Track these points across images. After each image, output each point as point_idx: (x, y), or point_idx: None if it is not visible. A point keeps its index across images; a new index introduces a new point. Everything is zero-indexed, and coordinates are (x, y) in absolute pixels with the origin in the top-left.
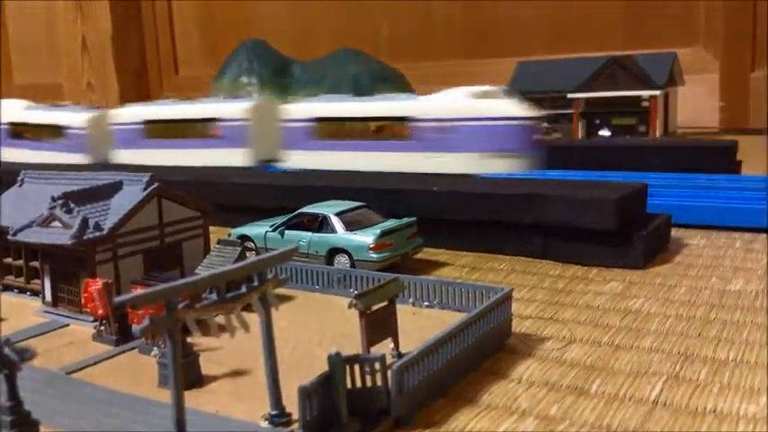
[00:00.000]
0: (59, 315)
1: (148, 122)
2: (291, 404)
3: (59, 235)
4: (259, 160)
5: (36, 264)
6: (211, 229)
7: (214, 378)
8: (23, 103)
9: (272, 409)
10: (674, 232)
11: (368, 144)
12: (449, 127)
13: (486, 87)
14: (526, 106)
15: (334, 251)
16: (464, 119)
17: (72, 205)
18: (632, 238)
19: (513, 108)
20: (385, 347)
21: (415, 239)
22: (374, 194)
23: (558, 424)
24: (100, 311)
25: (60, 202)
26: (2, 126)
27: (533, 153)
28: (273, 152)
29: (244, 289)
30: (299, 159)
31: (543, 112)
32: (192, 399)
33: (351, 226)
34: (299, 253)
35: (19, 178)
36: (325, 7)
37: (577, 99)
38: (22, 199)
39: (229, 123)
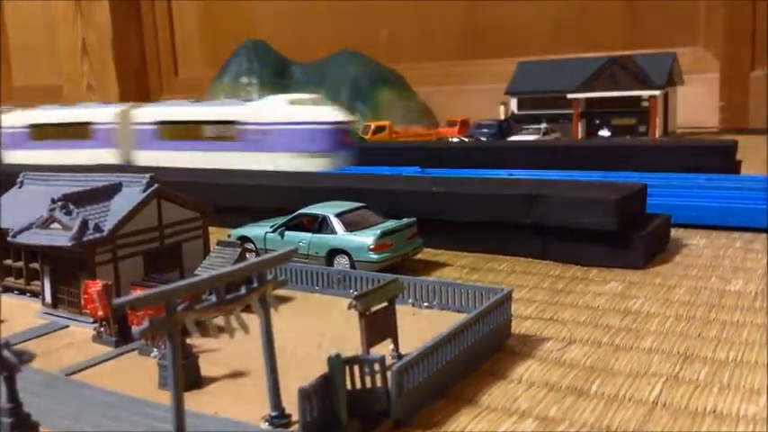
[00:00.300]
0: (59, 316)
1: (33, 126)
2: (291, 405)
3: (59, 236)
4: (125, 159)
5: (36, 265)
6: (211, 230)
7: (214, 379)
8: None
9: (271, 411)
10: (674, 232)
11: (202, 144)
12: (268, 130)
13: (306, 95)
14: (338, 111)
15: (334, 252)
16: (281, 123)
17: (71, 207)
18: (632, 239)
19: (325, 113)
20: (385, 348)
21: (415, 240)
22: (374, 195)
23: (557, 425)
24: (100, 313)
25: (60, 203)
26: None
27: (343, 153)
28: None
29: (243, 290)
30: (147, 158)
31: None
32: (192, 400)
33: (350, 227)
34: (299, 254)
35: (18, 180)
36: (325, 9)
37: (577, 99)
38: (22, 201)
39: (101, 127)
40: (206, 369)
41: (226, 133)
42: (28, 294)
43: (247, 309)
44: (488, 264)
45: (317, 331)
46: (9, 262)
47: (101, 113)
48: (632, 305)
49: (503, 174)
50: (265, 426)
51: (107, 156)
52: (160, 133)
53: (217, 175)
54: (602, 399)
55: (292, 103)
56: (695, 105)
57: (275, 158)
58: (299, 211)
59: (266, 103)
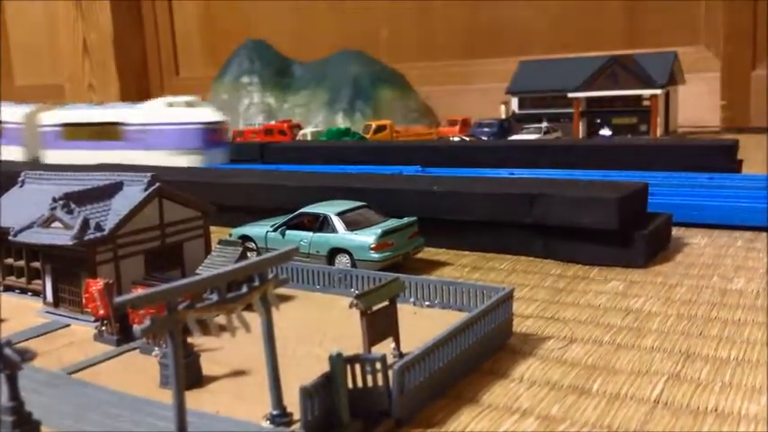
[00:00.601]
0: (60, 315)
1: None
2: (292, 404)
3: (60, 235)
4: (32, 157)
5: (37, 264)
6: (212, 229)
7: (215, 378)
8: None
9: (273, 409)
10: (675, 231)
11: (97, 144)
12: (147, 130)
13: (184, 98)
14: (212, 112)
15: (335, 251)
16: (158, 123)
17: (73, 206)
18: (633, 238)
19: (198, 114)
20: (386, 347)
21: (416, 239)
22: (375, 194)
23: (559, 424)
24: (101, 312)
25: (61, 202)
26: None
27: (214, 150)
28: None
29: (245, 289)
30: (52, 156)
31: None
32: (193, 399)
33: (352, 226)
34: (300, 253)
35: (20, 179)
36: (326, 8)
37: (578, 98)
38: (23, 200)
39: (11, 126)
40: (207, 368)
41: (115, 133)
42: (29, 293)
43: (249, 307)
44: (489, 263)
45: (318, 330)
46: (10, 261)
47: (12, 114)
48: (633, 304)
49: (504, 173)
50: (267, 424)
51: (16, 153)
52: (63, 134)
53: (218, 174)
54: (603, 397)
55: (170, 105)
56: (696, 104)
57: (154, 155)
58: (300, 210)
59: (147, 106)
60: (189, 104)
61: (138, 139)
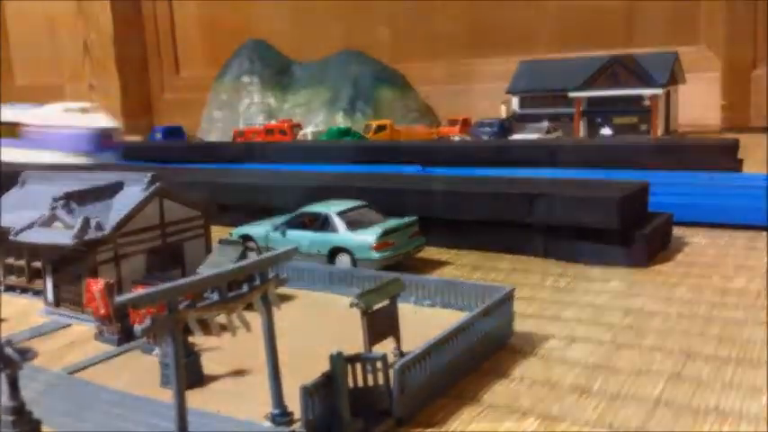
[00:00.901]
0: (61, 315)
1: None
2: (293, 403)
3: (61, 235)
4: None
5: (38, 264)
6: (213, 228)
7: (216, 378)
8: None
9: (273, 409)
10: (676, 231)
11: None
12: (43, 132)
13: (79, 104)
14: (105, 118)
15: (336, 250)
16: (53, 126)
17: (73, 205)
18: (634, 237)
19: (90, 120)
20: (387, 347)
21: (417, 238)
22: (375, 193)
23: (559, 423)
24: (101, 311)
25: (62, 202)
26: None
27: (104, 154)
28: None
29: (245, 288)
30: None
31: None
32: (194, 398)
33: (352, 225)
34: (301, 252)
35: (20, 179)
36: (326, 8)
37: (579, 98)
38: (24, 199)
39: None
40: (208, 367)
41: (14, 132)
42: (30, 293)
43: (249, 307)
44: (490, 262)
45: (318, 329)
46: (11, 261)
47: None
48: (634, 303)
49: (504, 173)
50: (267, 424)
51: None
52: None
53: (218, 174)
54: (604, 397)
55: (65, 110)
56: (697, 104)
57: (49, 155)
58: (301, 210)
59: (44, 109)
60: (84, 110)
61: (36, 140)
